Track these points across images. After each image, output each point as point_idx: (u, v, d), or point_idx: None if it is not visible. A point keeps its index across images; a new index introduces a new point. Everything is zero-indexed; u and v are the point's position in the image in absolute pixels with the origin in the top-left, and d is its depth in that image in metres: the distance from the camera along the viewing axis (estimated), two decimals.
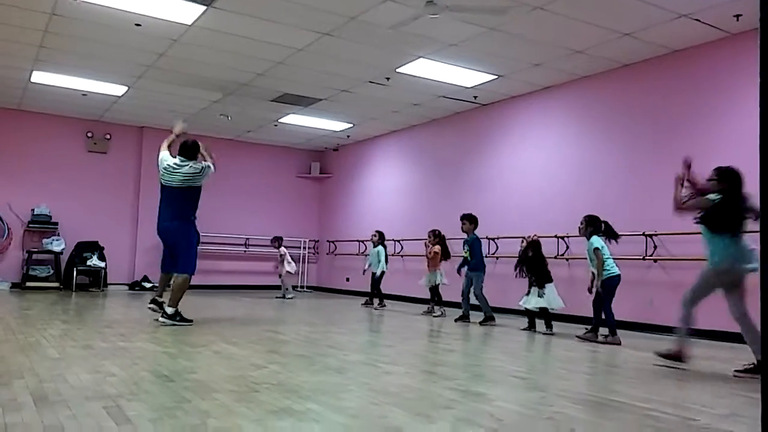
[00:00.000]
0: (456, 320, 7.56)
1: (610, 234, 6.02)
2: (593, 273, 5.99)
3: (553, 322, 6.60)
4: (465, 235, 7.74)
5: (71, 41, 7.38)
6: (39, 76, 8.87)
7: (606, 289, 5.89)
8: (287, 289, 10.83)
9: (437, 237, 8.28)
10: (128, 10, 6.37)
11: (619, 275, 5.92)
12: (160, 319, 6.04)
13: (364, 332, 6.54)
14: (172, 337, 5.10)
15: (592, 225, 6.02)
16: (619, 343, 5.67)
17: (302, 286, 13.61)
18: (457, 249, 8.24)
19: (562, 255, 7.87)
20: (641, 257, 6.94)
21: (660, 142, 7.05)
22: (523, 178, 8.82)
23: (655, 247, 6.90)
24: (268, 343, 4.97)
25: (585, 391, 3.47)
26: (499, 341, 5.94)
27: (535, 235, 6.95)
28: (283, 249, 10.78)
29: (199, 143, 6.34)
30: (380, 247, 9.35)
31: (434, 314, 8.26)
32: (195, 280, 12.36)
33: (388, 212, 11.61)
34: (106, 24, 6.78)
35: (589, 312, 6.22)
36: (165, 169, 6.14)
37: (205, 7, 6.26)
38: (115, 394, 2.88)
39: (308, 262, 13.84)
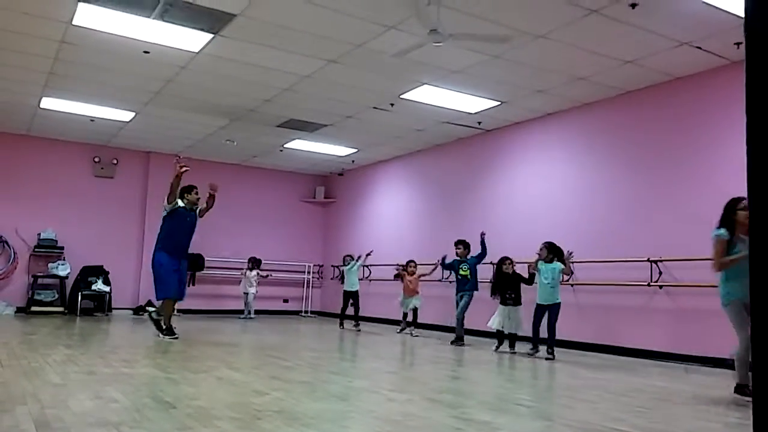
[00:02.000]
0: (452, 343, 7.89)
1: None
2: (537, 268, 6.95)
3: (558, 349, 6.55)
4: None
5: (80, 68, 7.50)
6: (48, 102, 8.99)
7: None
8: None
9: (416, 266, 9.18)
10: (137, 38, 6.48)
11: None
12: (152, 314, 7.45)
13: (367, 358, 6.50)
14: (174, 363, 5.09)
15: (553, 252, 6.92)
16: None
17: (306, 311, 13.57)
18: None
19: (567, 281, 7.84)
20: (646, 283, 6.91)
21: (662, 167, 7.07)
22: (527, 204, 8.84)
23: (660, 273, 6.87)
24: (270, 369, 4.95)
25: (590, 419, 3.44)
26: (503, 367, 5.90)
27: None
28: (253, 272, 11.62)
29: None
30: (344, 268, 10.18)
31: (413, 334, 8.97)
32: (199, 305, 12.25)
33: (393, 237, 11.61)
34: (115, 52, 6.89)
35: (598, 340, 6.19)
36: None
37: (212, 35, 6.37)
38: (117, 421, 2.87)
39: (312, 287, 13.83)
